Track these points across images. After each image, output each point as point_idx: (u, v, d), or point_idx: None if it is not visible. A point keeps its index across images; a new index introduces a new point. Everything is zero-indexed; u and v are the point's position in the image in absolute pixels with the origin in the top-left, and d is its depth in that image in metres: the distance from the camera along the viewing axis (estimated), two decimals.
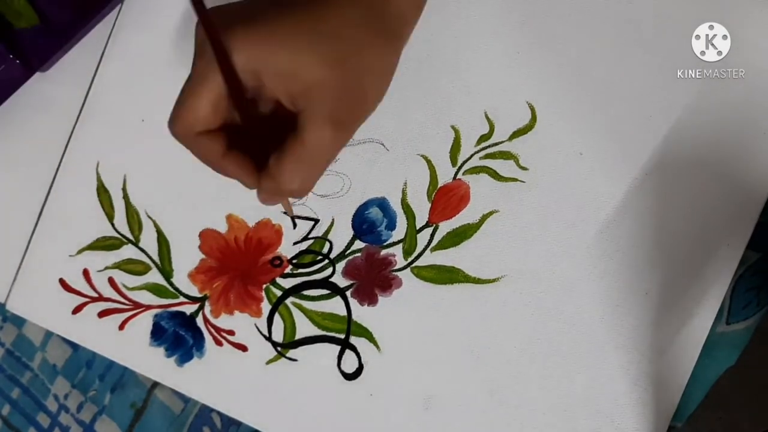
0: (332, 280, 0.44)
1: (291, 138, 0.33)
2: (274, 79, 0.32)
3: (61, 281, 0.45)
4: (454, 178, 0.44)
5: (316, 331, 0.44)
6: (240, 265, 0.44)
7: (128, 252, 0.45)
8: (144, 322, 0.44)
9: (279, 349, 0.44)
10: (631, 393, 0.43)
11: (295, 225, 0.44)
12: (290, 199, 0.42)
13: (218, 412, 0.45)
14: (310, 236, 0.44)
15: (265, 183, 0.34)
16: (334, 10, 0.33)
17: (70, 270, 0.45)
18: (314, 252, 0.44)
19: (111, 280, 0.45)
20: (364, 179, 0.44)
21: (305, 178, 0.33)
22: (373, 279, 0.44)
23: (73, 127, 0.45)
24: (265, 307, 0.44)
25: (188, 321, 0.44)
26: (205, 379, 0.44)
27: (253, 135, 0.34)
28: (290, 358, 0.44)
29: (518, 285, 0.43)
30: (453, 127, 0.44)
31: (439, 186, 0.44)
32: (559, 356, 0.43)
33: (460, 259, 0.44)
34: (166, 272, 0.45)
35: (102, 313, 0.45)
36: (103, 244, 0.45)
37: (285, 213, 0.44)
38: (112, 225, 0.45)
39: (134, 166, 0.45)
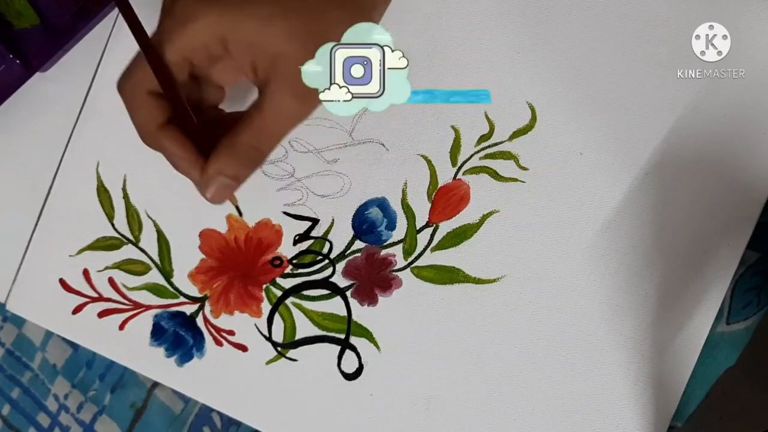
0: (332, 280, 0.44)
1: (252, 109, 0.33)
2: (241, 48, 0.32)
3: (61, 281, 0.45)
4: (454, 178, 0.44)
5: (316, 331, 0.44)
6: (240, 266, 0.44)
7: (128, 252, 0.45)
8: (144, 322, 0.44)
9: (279, 349, 0.44)
10: (631, 393, 0.43)
11: (240, 213, 0.42)
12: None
13: (218, 412, 0.45)
14: (310, 236, 0.44)
15: (220, 157, 0.34)
16: None
17: (70, 270, 0.45)
18: (314, 252, 0.44)
19: (111, 280, 0.45)
20: (364, 179, 0.44)
21: (261, 148, 0.34)
22: (373, 279, 0.44)
23: (73, 127, 0.45)
24: (265, 307, 0.44)
25: (188, 321, 0.44)
26: (205, 379, 0.44)
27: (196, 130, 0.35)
28: (290, 358, 0.44)
29: (518, 285, 0.43)
30: (453, 127, 0.44)
31: (439, 186, 0.44)
32: (559, 356, 0.43)
33: (461, 259, 0.44)
34: (166, 272, 0.45)
35: (102, 313, 0.45)
36: (103, 245, 0.45)
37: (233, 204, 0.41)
38: (112, 225, 0.45)
39: (134, 166, 0.45)
